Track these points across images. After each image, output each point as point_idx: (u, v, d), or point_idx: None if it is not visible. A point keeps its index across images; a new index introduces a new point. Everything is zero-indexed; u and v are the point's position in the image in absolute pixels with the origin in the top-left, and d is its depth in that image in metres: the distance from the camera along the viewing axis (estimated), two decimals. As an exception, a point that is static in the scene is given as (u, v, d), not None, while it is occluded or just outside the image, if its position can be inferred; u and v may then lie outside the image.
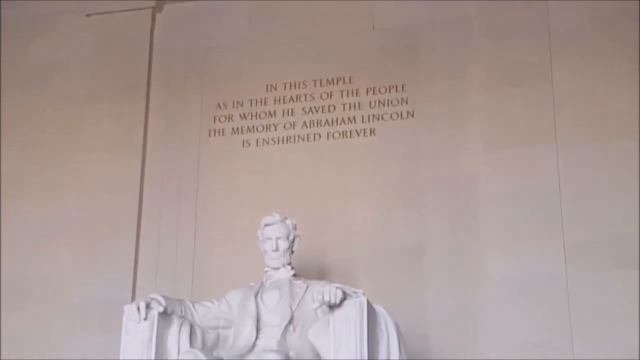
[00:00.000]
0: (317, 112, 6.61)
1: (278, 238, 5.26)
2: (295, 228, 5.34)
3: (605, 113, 6.10)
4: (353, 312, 4.70)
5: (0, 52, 7.12)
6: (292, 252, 5.32)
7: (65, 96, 6.94)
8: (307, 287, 5.17)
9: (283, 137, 6.60)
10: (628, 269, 5.74)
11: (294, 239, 5.32)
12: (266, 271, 5.29)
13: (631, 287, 5.70)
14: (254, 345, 4.96)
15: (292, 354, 4.75)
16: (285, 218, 5.34)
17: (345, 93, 6.61)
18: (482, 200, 6.13)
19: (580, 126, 6.12)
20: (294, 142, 6.56)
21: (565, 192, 6.00)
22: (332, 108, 6.60)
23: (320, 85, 6.66)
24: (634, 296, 5.67)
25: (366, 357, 4.63)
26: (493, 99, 6.30)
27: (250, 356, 4.88)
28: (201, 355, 4.61)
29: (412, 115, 6.47)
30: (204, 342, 5.00)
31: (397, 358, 4.84)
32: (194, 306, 5.14)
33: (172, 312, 4.97)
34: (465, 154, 6.27)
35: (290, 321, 5.02)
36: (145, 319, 4.81)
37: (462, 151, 6.28)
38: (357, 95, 6.59)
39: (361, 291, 4.82)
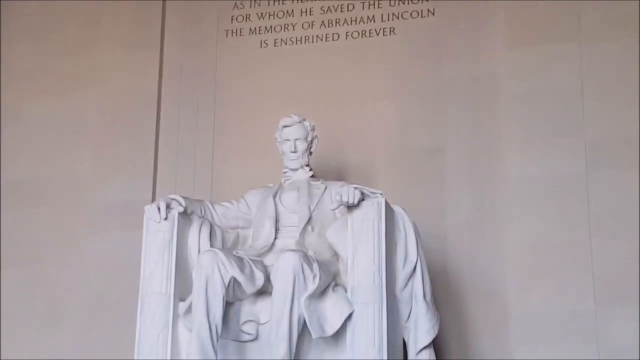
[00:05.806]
0: (335, 11, 6.50)
1: (296, 139, 5.26)
2: (313, 129, 5.33)
3: (630, 9, 5.96)
4: (371, 213, 4.73)
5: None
6: (311, 153, 5.33)
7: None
8: (326, 187, 5.19)
9: (301, 37, 6.51)
10: (648, 167, 5.72)
11: (312, 140, 5.32)
12: (284, 172, 5.31)
13: (651, 186, 5.68)
14: (272, 245, 5.02)
15: (310, 253, 4.79)
16: (304, 119, 5.32)
17: (364, -9, 6.51)
18: (503, 99, 6.06)
19: (604, 24, 5.98)
20: (312, 41, 6.47)
21: (587, 90, 5.91)
22: (350, 7, 6.48)
23: (339, -17, 6.55)
24: (653, 195, 5.66)
25: (384, 257, 4.68)
26: (515, -4, 6.18)
27: (270, 255, 4.93)
28: (221, 255, 4.65)
29: (433, 14, 6.36)
30: (223, 242, 5.07)
31: (415, 258, 4.89)
32: (213, 206, 5.19)
33: (192, 212, 5.02)
34: (487, 53, 6.17)
35: (309, 221, 5.06)
36: (166, 218, 4.86)
37: (483, 50, 6.18)
38: (376, -7, 6.49)
39: (379, 191, 4.85)
